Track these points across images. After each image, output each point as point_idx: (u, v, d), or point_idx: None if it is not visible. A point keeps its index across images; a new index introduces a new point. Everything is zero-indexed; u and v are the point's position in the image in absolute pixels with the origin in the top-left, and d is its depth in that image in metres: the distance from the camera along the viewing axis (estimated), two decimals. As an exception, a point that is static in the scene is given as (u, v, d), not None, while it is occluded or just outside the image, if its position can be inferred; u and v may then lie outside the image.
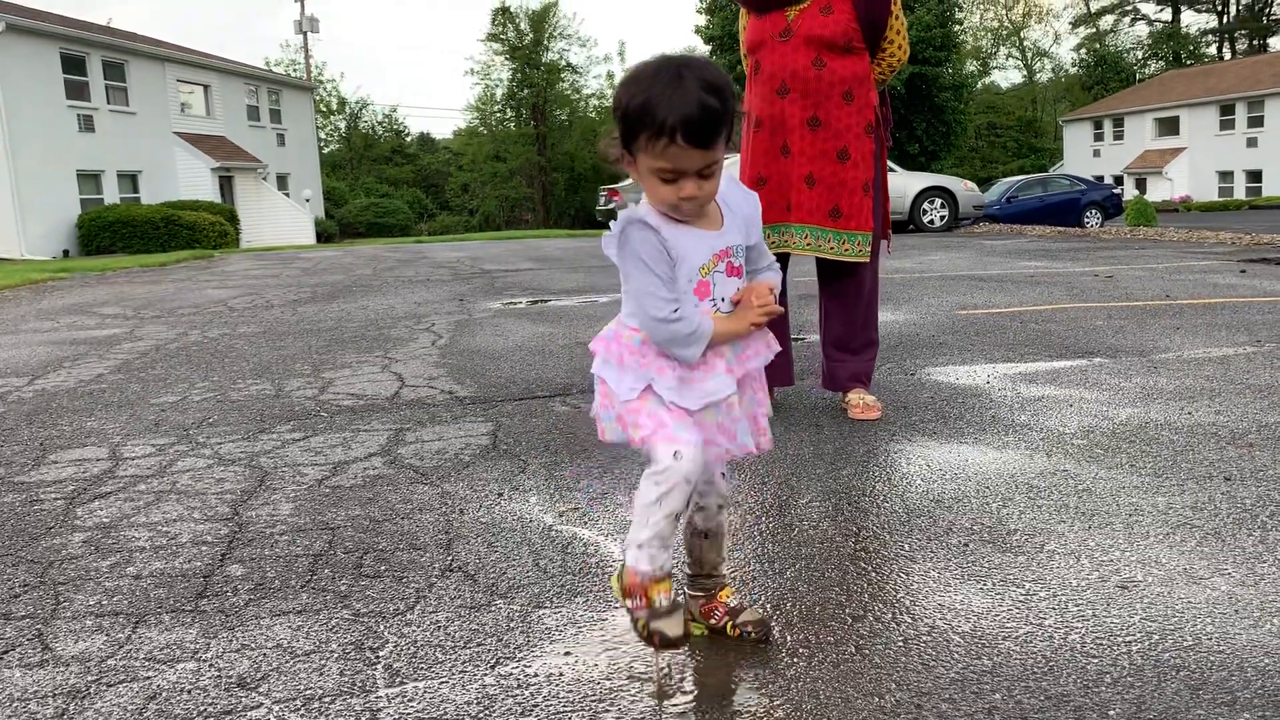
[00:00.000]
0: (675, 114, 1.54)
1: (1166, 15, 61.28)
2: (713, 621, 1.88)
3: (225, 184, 30.64)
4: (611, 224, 1.67)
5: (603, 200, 19.77)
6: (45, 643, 1.94)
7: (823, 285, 3.72)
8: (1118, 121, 47.02)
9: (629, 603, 1.68)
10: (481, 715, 1.62)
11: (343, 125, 57.72)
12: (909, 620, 1.90)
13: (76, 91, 26.02)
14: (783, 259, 3.55)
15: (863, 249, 3.50)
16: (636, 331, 1.69)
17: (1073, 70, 62.47)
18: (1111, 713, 1.55)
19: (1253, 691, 1.60)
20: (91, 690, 1.74)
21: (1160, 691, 1.60)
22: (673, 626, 1.65)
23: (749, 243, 1.75)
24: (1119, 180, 42.35)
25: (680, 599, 1.75)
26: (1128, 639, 1.79)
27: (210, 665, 1.81)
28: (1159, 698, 1.59)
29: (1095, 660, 1.71)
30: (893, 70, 3.61)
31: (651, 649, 1.67)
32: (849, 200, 3.46)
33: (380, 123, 59.57)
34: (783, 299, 3.66)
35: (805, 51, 3.42)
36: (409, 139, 61.62)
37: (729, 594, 1.90)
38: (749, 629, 1.85)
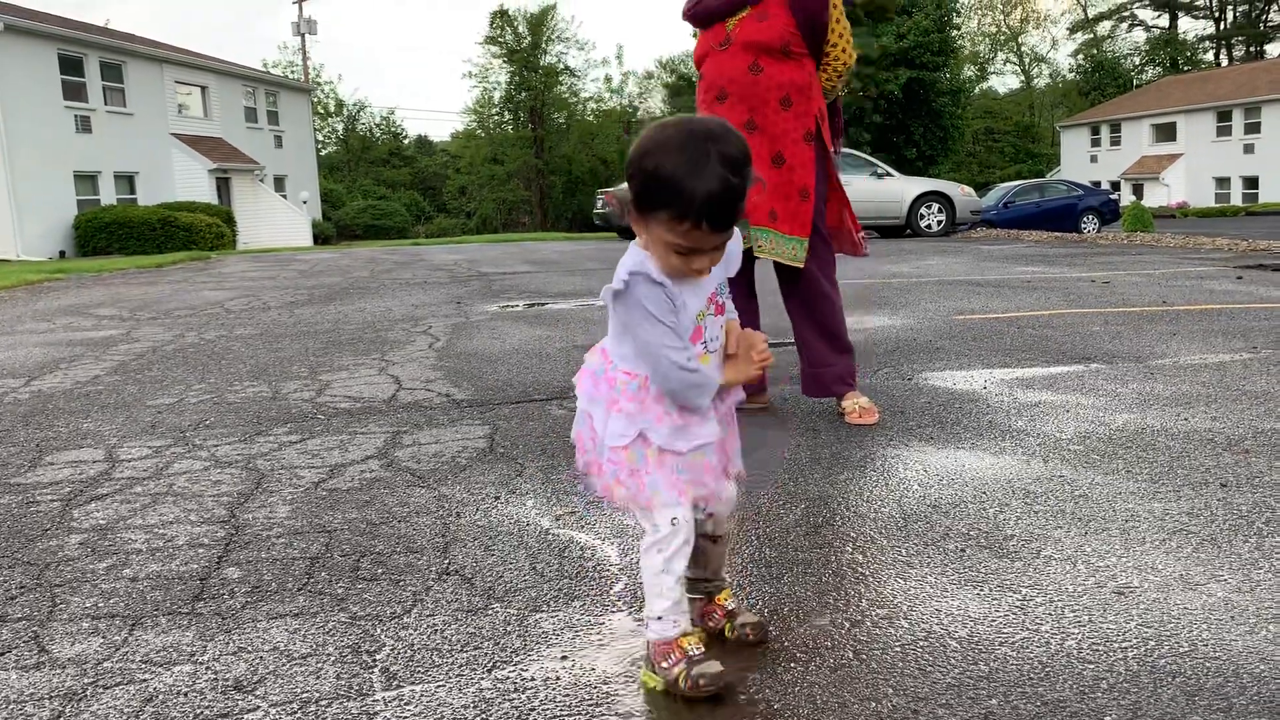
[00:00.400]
0: (700, 198, 1.52)
1: (1164, 21, 61.45)
2: (710, 624, 1.89)
3: (222, 185, 30.62)
4: (614, 276, 1.66)
5: (600, 204, 19.77)
6: (42, 645, 1.93)
7: (783, 293, 3.72)
8: (1115, 127, 47.12)
9: (664, 664, 1.70)
10: (478, 719, 1.62)
11: (340, 127, 57.72)
12: (906, 625, 1.90)
13: (74, 92, 26.01)
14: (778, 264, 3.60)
15: (797, 253, 3.51)
16: (632, 377, 1.68)
17: (1070, 76, 62.61)
18: (1107, 718, 1.55)
19: (1248, 698, 1.60)
20: (88, 693, 1.74)
21: (1156, 697, 1.61)
22: (712, 666, 1.68)
23: (728, 274, 1.76)
24: (1116, 186, 42.45)
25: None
26: (1124, 645, 1.79)
27: (207, 668, 1.81)
28: (1155, 704, 1.59)
29: (1091, 666, 1.72)
30: (839, 75, 3.59)
31: (696, 695, 1.67)
32: (784, 205, 3.48)
33: (378, 125, 59.59)
34: (750, 300, 3.69)
35: (743, 56, 3.46)
36: (407, 141, 61.62)
37: (727, 596, 1.92)
38: (747, 631, 1.86)
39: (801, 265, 3.54)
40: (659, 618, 1.71)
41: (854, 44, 3.62)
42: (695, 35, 3.78)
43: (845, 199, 3.75)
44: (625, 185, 1.68)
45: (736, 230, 1.77)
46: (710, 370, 1.70)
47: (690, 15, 3.67)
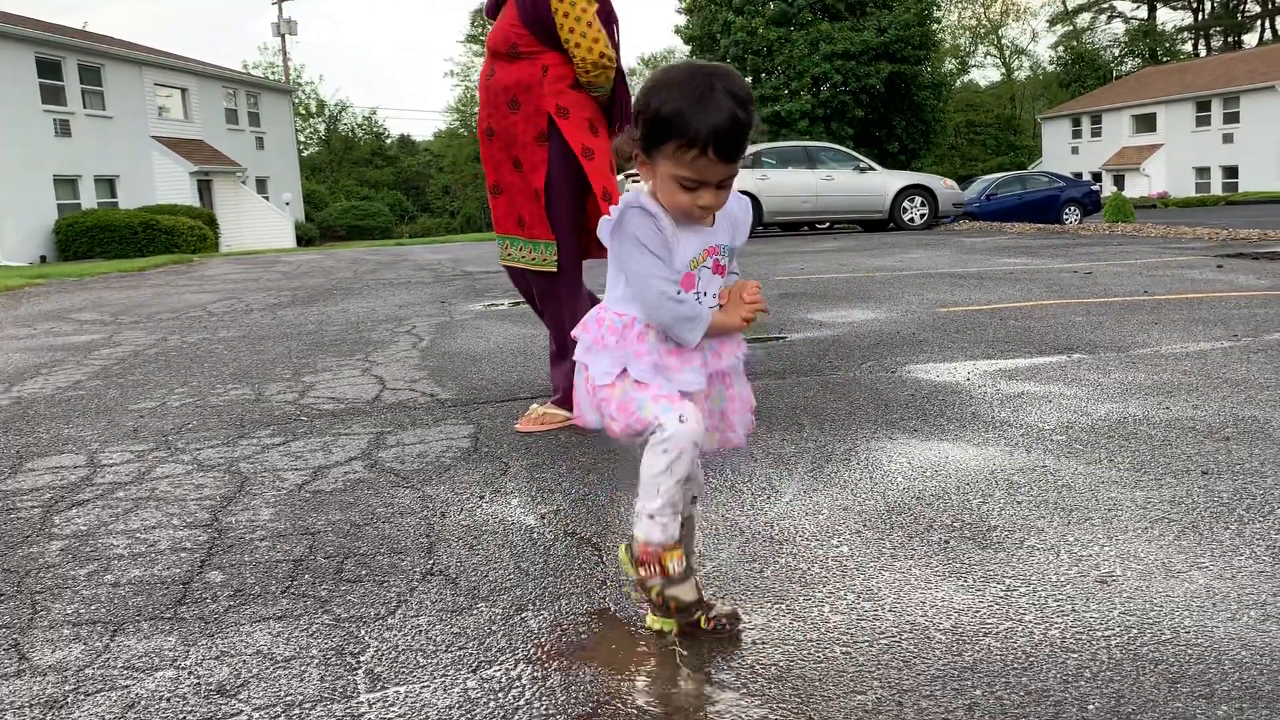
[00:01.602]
0: (708, 127, 1.56)
1: (1143, 13, 61.76)
2: None
3: (204, 188, 30.46)
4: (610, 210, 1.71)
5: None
6: (22, 652, 1.92)
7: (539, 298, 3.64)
8: (1095, 119, 47.34)
9: (641, 572, 1.73)
10: (464, 719, 1.61)
11: (322, 128, 57.50)
12: (890, 617, 1.90)
13: (52, 96, 25.82)
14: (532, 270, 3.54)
15: (547, 258, 3.45)
16: (620, 315, 1.72)
17: (1051, 68, 62.86)
18: (1091, 707, 1.55)
19: (1230, 684, 1.61)
20: (69, 700, 1.72)
21: (1139, 685, 1.61)
22: (687, 592, 1.71)
23: (734, 244, 1.78)
24: (1097, 177, 42.66)
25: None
26: (1107, 633, 1.80)
27: (189, 673, 1.80)
28: (1138, 691, 1.60)
29: (1075, 655, 1.72)
30: (591, 73, 3.31)
31: (665, 615, 1.69)
32: (528, 209, 3.43)
33: (360, 125, 59.36)
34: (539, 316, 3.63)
35: (487, 63, 3.47)
36: (389, 141, 61.42)
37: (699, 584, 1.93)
38: (723, 620, 1.87)
39: (555, 269, 3.45)
40: (650, 516, 1.71)
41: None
42: None
43: (573, 203, 3.53)
44: (622, 136, 1.70)
45: (746, 200, 1.81)
46: (702, 309, 1.71)
47: (488, 16, 3.61)
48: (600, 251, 3.59)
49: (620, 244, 1.69)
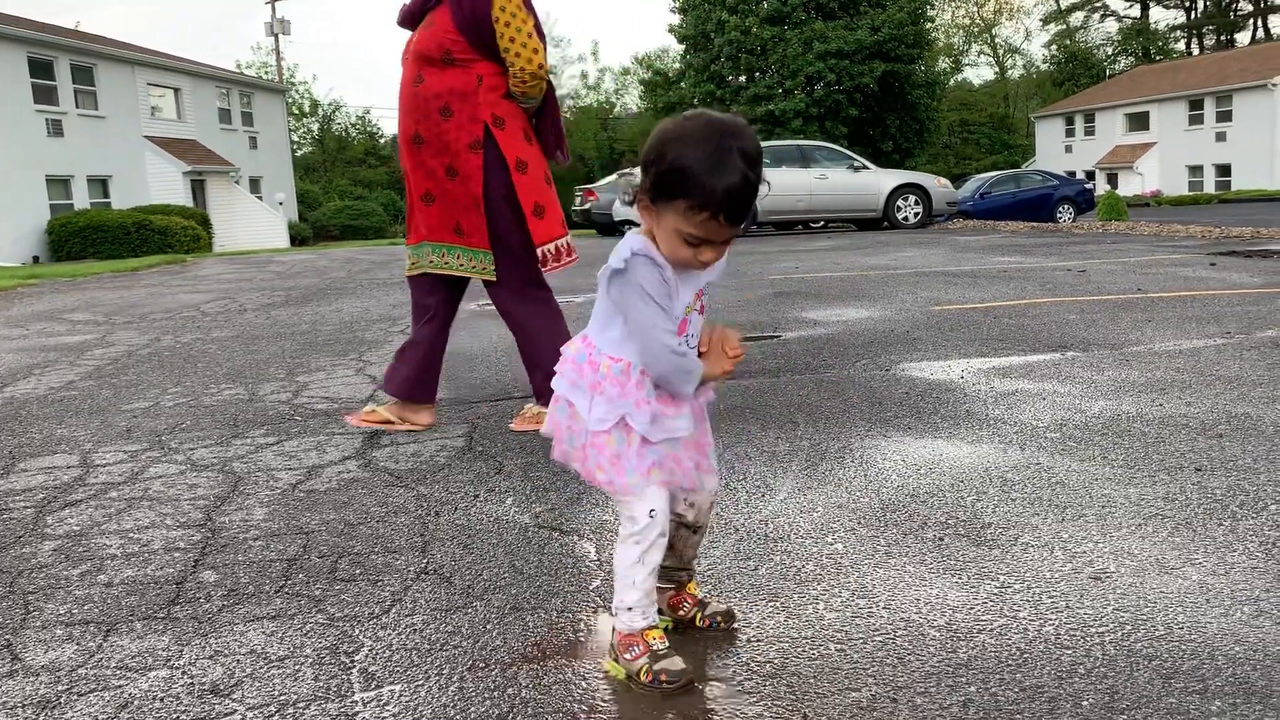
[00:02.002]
0: (721, 191, 1.56)
1: (1135, 12, 61.86)
2: (681, 613, 1.90)
3: (197, 188, 30.39)
4: (613, 255, 1.68)
5: (579, 200, 19.74)
6: (14, 653, 1.91)
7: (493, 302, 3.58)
8: (1089, 117, 47.39)
9: (627, 656, 1.72)
10: (458, 718, 1.61)
11: (315, 128, 57.38)
12: (885, 615, 1.90)
13: (44, 96, 25.74)
14: (449, 281, 3.51)
15: (486, 266, 3.43)
16: (616, 361, 1.70)
17: (1044, 66, 62.92)
18: (1085, 703, 1.56)
19: (1223, 679, 1.61)
20: (62, 700, 1.72)
21: (1133, 681, 1.62)
22: (675, 664, 1.70)
23: (713, 279, 1.78)
24: (1090, 175, 42.72)
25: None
26: (1101, 630, 1.80)
27: (183, 673, 1.80)
28: (1131, 687, 1.60)
29: (1069, 651, 1.73)
30: (527, 84, 3.31)
31: (659, 692, 1.67)
32: (466, 218, 3.39)
33: (353, 125, 59.28)
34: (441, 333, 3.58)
35: (410, 68, 3.39)
36: (383, 141, 61.29)
37: (695, 586, 1.94)
38: (719, 618, 1.87)
39: (495, 278, 3.44)
40: (629, 609, 1.73)
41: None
42: None
43: (516, 216, 3.47)
44: (631, 174, 1.70)
45: None
46: (697, 362, 1.72)
47: (399, 24, 3.51)
48: (536, 270, 3.47)
49: (623, 292, 1.67)
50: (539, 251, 3.42)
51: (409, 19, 3.47)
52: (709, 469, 1.83)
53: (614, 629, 1.76)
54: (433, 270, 3.49)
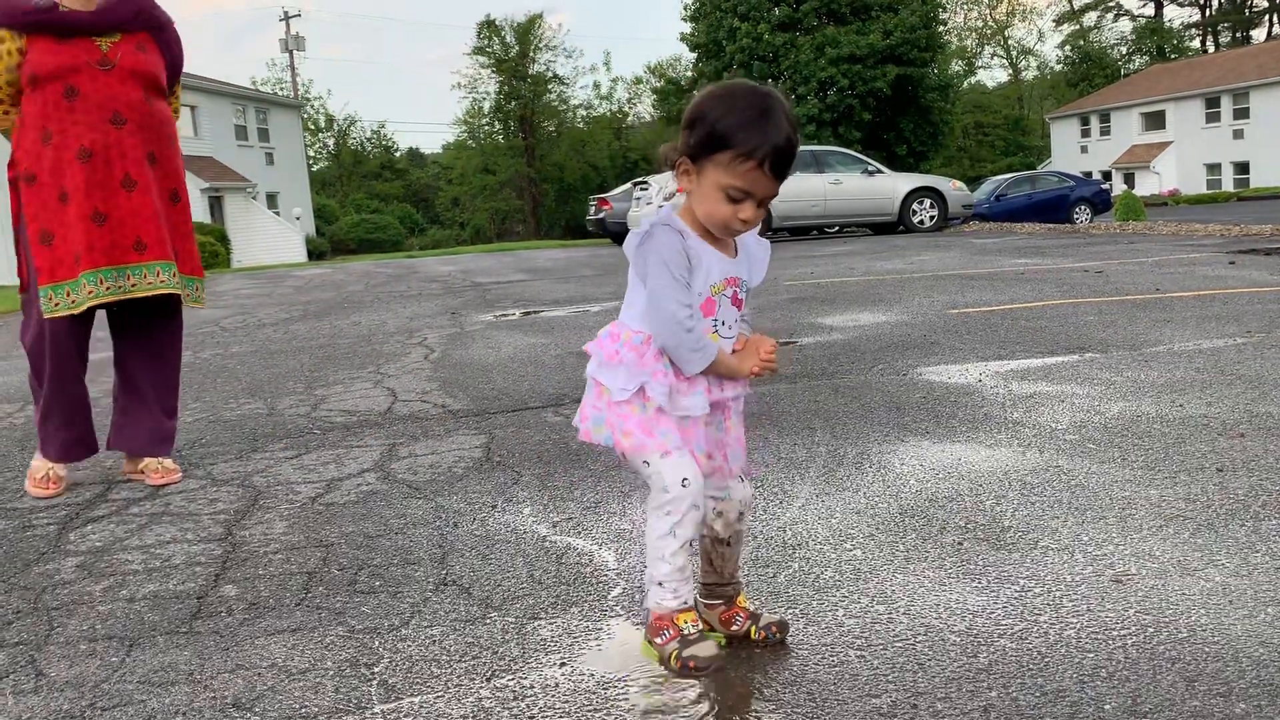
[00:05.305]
0: (769, 142, 1.63)
1: (1149, 10, 61.59)
2: (734, 628, 1.87)
3: (215, 204, 30.63)
4: (634, 228, 1.73)
5: (593, 210, 19.79)
6: (39, 669, 1.93)
7: (129, 337, 3.48)
8: (1104, 117, 47.18)
9: (658, 640, 1.73)
10: (478, 728, 1.61)
11: (331, 142, 57.78)
12: (905, 620, 1.90)
13: (63, 116, 25.97)
14: (140, 305, 3.34)
15: (200, 294, 3.47)
16: (637, 333, 1.73)
17: (1058, 67, 62.71)
18: (1107, 707, 1.55)
19: (1248, 681, 1.60)
20: (86, 715, 1.73)
21: (1156, 684, 1.60)
22: (706, 649, 1.71)
23: (751, 281, 1.81)
24: (1107, 176, 42.50)
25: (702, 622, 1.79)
26: (1122, 632, 1.79)
27: (205, 687, 1.81)
28: (1154, 690, 1.59)
29: (1090, 655, 1.71)
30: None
31: (686, 676, 1.68)
32: (183, 245, 3.40)
33: (369, 139, 59.66)
34: (146, 354, 3.43)
35: (134, 84, 3.25)
36: (398, 154, 61.69)
37: (745, 599, 1.91)
38: (774, 630, 1.85)
39: (203, 305, 3.53)
40: (659, 584, 1.73)
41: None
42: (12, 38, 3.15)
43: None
44: (645, 182, 1.75)
45: (766, 242, 1.84)
46: (710, 344, 1.73)
47: (35, 19, 3.11)
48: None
49: (644, 259, 1.71)
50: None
51: (100, 23, 3.20)
52: (734, 473, 1.84)
53: (647, 609, 1.77)
54: (145, 293, 3.32)
